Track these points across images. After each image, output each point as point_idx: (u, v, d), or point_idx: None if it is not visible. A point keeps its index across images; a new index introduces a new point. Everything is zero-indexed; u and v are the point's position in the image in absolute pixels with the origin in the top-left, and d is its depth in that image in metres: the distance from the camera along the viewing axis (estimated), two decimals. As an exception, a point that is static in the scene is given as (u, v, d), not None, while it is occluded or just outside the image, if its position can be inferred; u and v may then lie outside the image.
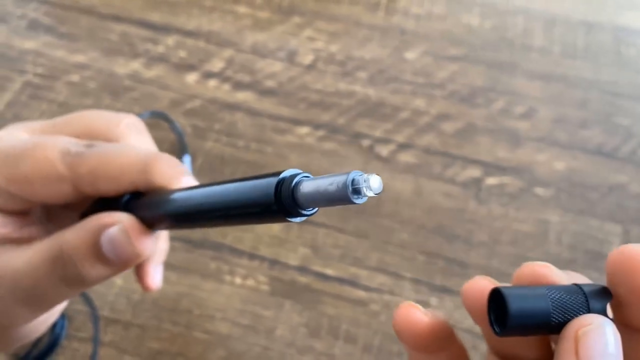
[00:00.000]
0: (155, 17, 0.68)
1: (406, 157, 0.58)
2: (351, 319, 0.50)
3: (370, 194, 0.19)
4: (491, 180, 0.56)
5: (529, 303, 0.22)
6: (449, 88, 0.63)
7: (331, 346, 0.48)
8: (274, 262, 0.52)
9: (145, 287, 0.35)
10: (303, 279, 0.51)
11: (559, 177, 0.57)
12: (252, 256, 0.52)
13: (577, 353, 0.20)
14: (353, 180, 0.19)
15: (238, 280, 0.51)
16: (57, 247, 0.28)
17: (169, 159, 0.30)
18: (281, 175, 0.21)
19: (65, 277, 0.28)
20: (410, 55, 0.65)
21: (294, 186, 0.21)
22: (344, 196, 0.19)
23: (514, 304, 0.21)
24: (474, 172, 0.57)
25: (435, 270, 0.52)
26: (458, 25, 0.68)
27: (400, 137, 0.59)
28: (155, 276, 0.35)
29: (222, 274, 0.51)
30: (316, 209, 0.22)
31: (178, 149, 0.57)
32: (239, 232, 0.53)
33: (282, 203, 0.21)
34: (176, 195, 0.27)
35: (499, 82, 0.63)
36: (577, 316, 0.22)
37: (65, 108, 0.61)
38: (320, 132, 0.59)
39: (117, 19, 0.68)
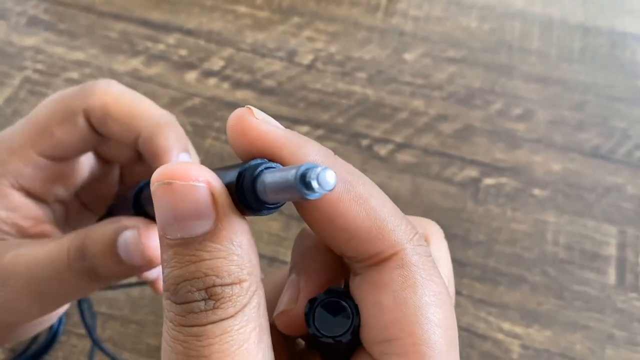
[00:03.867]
0: (156, 15, 0.68)
1: (404, 157, 0.58)
2: (349, 317, 0.50)
3: (321, 190, 0.17)
4: (489, 181, 0.57)
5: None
6: (447, 89, 0.63)
7: (329, 344, 0.49)
8: (272, 260, 0.52)
9: (156, 290, 0.37)
10: (302, 277, 0.51)
11: (555, 178, 0.57)
12: (251, 254, 0.52)
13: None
14: (304, 174, 0.17)
15: (237, 277, 0.51)
16: (80, 240, 0.29)
17: (179, 131, 0.31)
18: (245, 165, 0.19)
19: (82, 270, 0.29)
20: (409, 56, 0.66)
21: (255, 177, 0.19)
22: (297, 190, 0.17)
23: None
24: (472, 172, 0.57)
25: (433, 269, 0.52)
26: (457, 27, 0.68)
27: (398, 137, 0.59)
28: None
29: (221, 271, 0.51)
30: (280, 203, 0.19)
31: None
32: (238, 230, 0.53)
33: (243, 195, 0.19)
34: None
35: (497, 84, 0.64)
36: None
37: (64, 105, 0.61)
38: (319, 132, 0.60)
39: (117, 17, 0.68)
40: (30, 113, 0.32)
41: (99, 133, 0.32)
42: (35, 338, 0.48)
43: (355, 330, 0.21)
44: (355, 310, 0.22)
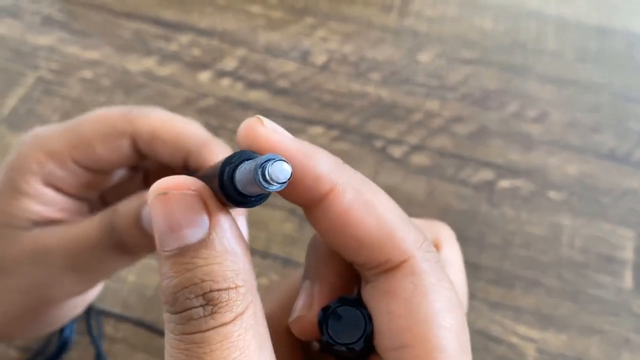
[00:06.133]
0: (169, 15, 0.68)
1: (419, 159, 0.58)
2: (363, 320, 0.49)
3: (275, 182, 0.17)
4: (504, 183, 0.56)
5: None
6: (461, 90, 0.63)
7: (343, 346, 0.48)
8: (286, 261, 0.52)
9: None
10: (315, 279, 0.51)
11: (571, 180, 0.57)
12: (264, 255, 0.52)
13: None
14: (261, 166, 0.17)
15: (250, 278, 0.51)
16: (109, 215, 0.31)
17: (225, 148, 0.33)
18: (225, 159, 0.19)
19: (112, 244, 0.31)
20: (423, 57, 0.65)
21: (232, 171, 0.19)
22: (257, 183, 0.17)
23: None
24: (487, 174, 0.57)
25: (447, 272, 0.52)
26: (471, 28, 0.68)
27: (413, 139, 0.59)
28: None
29: (235, 273, 0.51)
30: (263, 195, 0.19)
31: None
32: (252, 232, 0.53)
33: (223, 185, 0.19)
34: None
35: (512, 85, 0.63)
36: None
37: (78, 104, 0.61)
38: (333, 133, 0.59)
39: (131, 16, 0.68)
40: (72, 122, 0.33)
41: (143, 154, 0.33)
42: (46, 344, 0.48)
43: (368, 338, 0.22)
44: (368, 318, 0.22)
